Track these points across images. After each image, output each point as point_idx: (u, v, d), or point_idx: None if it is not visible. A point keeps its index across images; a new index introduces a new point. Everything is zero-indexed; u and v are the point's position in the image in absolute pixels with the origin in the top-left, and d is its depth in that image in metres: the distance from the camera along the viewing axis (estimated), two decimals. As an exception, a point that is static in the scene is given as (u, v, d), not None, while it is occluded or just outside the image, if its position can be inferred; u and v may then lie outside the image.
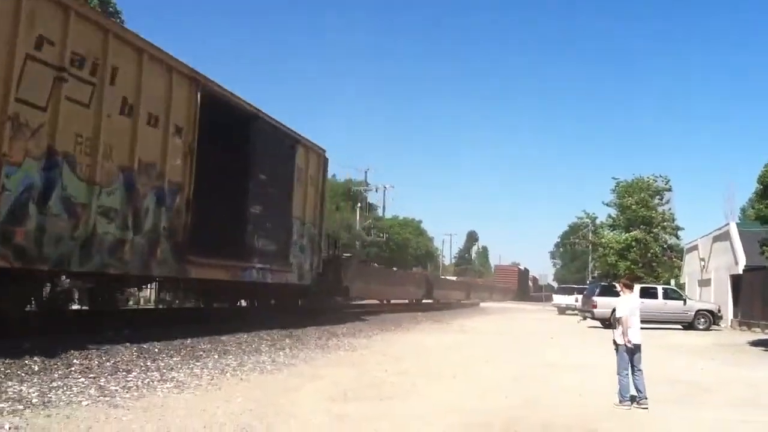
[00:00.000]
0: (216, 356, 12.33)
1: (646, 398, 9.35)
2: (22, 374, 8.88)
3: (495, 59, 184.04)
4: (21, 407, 7.09)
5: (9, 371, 8.94)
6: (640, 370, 9.48)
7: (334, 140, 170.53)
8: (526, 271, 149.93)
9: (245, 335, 16.11)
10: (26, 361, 9.70)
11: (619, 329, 9.70)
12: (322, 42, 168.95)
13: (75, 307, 18.12)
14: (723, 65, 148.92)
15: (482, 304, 74.95)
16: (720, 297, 39.73)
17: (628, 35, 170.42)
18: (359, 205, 75.99)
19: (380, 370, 12.25)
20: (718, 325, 33.72)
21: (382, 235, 75.60)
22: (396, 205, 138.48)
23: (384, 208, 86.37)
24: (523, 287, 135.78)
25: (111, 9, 28.29)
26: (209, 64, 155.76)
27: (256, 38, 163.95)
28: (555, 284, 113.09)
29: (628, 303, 9.81)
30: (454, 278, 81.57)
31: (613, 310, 9.87)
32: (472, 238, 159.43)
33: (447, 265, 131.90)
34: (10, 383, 8.23)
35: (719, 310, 34.10)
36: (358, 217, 72.63)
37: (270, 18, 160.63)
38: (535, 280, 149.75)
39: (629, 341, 9.49)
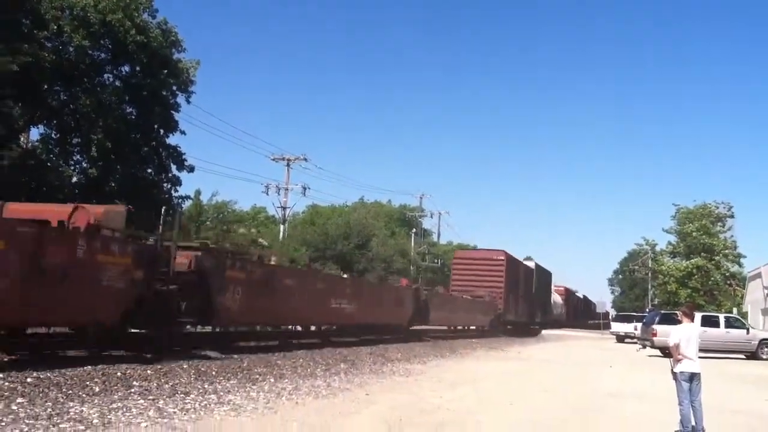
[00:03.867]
0: (272, 380, 12.41)
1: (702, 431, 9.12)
2: (84, 395, 9.06)
3: (551, 80, 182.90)
4: (82, 428, 7.24)
5: (71, 392, 9.13)
6: (698, 400, 9.27)
7: (390, 166, 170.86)
8: (539, 270, 61.41)
9: (301, 360, 16.15)
10: (87, 383, 9.89)
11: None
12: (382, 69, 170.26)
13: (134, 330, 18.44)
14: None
15: (545, 332, 59.14)
16: (785, 326, 38.61)
17: (690, 59, 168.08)
18: (414, 230, 76.00)
19: (435, 396, 12.18)
20: (782, 355, 32.74)
21: (437, 260, 75.37)
22: (451, 231, 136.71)
23: (439, 234, 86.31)
24: (526, 299, 53.47)
25: (173, 38, 28.87)
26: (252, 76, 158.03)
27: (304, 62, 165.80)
28: (613, 311, 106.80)
29: (683, 331, 9.60)
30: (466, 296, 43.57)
31: (675, 339, 9.66)
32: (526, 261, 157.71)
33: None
34: (71, 404, 8.40)
35: (784, 340, 33.11)
36: (413, 243, 72.60)
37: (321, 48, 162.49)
38: (576, 302, 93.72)
39: (681, 370, 9.33)
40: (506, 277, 45.67)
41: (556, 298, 75.41)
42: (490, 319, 43.39)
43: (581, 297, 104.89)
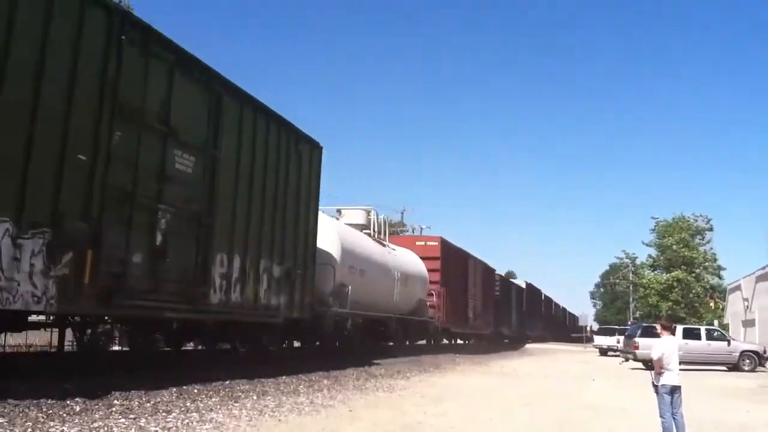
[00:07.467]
0: (255, 397, 12.33)
1: None
2: (64, 414, 8.96)
3: (533, 98, 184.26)
4: (63, 447, 7.14)
5: (51, 411, 9.02)
6: (680, 412, 9.32)
7: (371, 180, 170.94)
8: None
9: (284, 377, 16.06)
10: (68, 402, 9.77)
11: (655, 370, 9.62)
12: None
13: (115, 348, 18.30)
14: (761, 100, 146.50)
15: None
16: (765, 337, 38.89)
17: (666, 73, 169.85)
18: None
19: (419, 411, 12.15)
20: (763, 366, 32.96)
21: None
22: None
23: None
24: None
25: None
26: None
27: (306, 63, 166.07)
28: (595, 325, 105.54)
29: (665, 345, 9.66)
30: None
31: (656, 352, 9.76)
32: (509, 278, 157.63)
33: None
34: (52, 423, 8.31)
35: (765, 351, 33.36)
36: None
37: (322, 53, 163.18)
38: (492, 286, 50.20)
39: (663, 383, 9.38)
40: None
41: (386, 257, 28.06)
42: None
43: (521, 285, 64.26)
